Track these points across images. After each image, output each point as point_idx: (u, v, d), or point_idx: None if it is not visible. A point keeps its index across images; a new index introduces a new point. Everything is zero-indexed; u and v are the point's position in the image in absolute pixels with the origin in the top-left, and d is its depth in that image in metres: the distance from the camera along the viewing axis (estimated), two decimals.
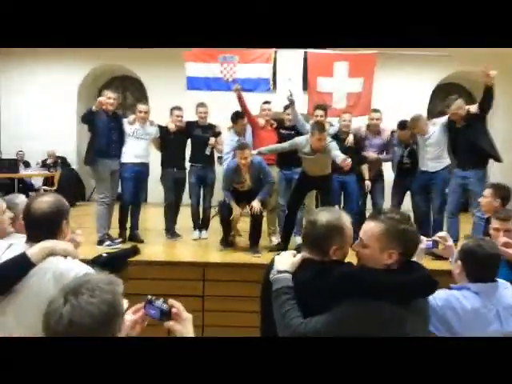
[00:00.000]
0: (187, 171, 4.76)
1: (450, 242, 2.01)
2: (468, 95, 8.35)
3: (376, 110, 4.61)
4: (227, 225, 4.11)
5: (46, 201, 1.62)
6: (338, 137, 4.45)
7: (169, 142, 4.61)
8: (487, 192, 2.95)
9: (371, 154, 4.47)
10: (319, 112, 4.51)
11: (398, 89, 7.84)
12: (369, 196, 4.73)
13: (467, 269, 1.78)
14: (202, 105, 4.73)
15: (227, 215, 4.01)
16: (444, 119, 4.21)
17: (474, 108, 3.94)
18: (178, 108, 4.65)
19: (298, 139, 4.03)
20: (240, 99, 4.62)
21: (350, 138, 4.43)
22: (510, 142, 7.67)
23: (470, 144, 3.90)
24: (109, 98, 4.10)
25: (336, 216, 1.50)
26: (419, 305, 1.38)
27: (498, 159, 3.98)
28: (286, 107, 4.64)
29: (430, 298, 1.52)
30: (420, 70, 7.92)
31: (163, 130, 4.60)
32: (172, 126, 4.55)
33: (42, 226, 1.60)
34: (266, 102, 4.84)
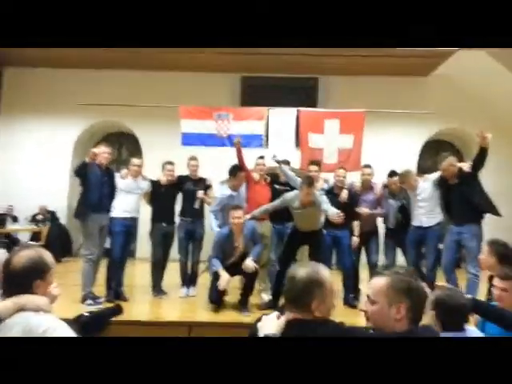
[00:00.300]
0: (176, 225, 4.67)
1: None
2: (456, 152, 8.53)
3: (368, 166, 4.64)
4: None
5: (24, 255, 1.57)
6: (333, 192, 4.46)
7: (159, 195, 4.58)
8: (484, 248, 2.87)
9: (364, 209, 4.43)
10: (313, 167, 4.55)
11: (387, 145, 8.02)
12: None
13: (439, 318, 1.82)
14: (193, 158, 4.76)
15: (216, 293, 3.83)
16: (436, 175, 4.24)
17: (466, 167, 3.97)
18: (170, 163, 4.67)
19: (288, 195, 4.01)
20: (239, 152, 4.65)
21: (344, 194, 4.42)
22: (499, 195, 7.75)
23: (464, 200, 3.89)
24: (103, 153, 4.10)
25: (315, 269, 1.47)
26: None
27: (496, 213, 3.95)
28: (282, 162, 4.68)
29: None
30: (408, 128, 8.17)
31: (155, 183, 4.59)
32: (163, 179, 4.54)
33: (17, 281, 1.54)
34: (261, 157, 4.88)
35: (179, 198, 4.78)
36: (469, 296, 2.01)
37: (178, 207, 4.77)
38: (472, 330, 1.83)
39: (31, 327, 1.44)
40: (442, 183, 4.14)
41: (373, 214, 4.50)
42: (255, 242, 4.00)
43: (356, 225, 4.46)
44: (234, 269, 3.94)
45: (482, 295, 3.70)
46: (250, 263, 3.76)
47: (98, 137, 9.01)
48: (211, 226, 4.57)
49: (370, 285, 1.46)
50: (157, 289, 4.44)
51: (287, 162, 4.83)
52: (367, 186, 4.59)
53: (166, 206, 4.60)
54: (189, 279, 4.62)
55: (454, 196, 3.99)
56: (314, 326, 1.38)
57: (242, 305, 3.83)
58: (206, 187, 4.73)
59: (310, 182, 3.80)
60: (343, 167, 4.69)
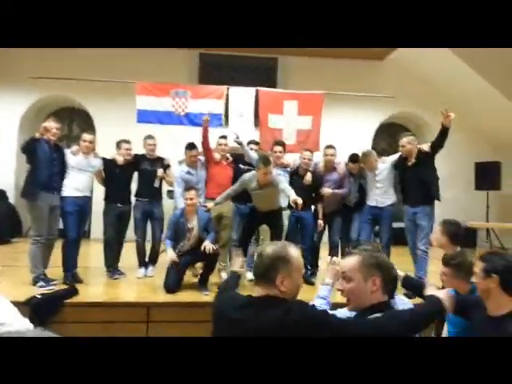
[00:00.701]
0: (132, 206, 4.57)
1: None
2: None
3: (331, 147, 4.68)
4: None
5: None
6: (298, 174, 4.51)
7: (114, 175, 4.43)
8: (437, 228, 3.02)
9: (327, 189, 4.52)
10: (278, 148, 4.56)
11: (344, 127, 8.19)
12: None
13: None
14: (150, 137, 4.64)
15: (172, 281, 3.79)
16: (394, 157, 4.39)
17: (426, 147, 4.10)
18: (127, 141, 4.51)
19: (246, 176, 4.03)
20: (205, 131, 4.61)
21: (308, 176, 4.47)
22: (448, 179, 8.21)
23: (420, 181, 4.04)
24: (52, 128, 3.87)
25: (281, 246, 1.55)
26: None
27: (438, 198, 4.12)
28: (249, 142, 4.68)
29: None
30: (364, 110, 8.37)
31: (109, 162, 4.42)
32: (120, 159, 4.39)
33: None
34: (223, 137, 4.83)
35: (135, 177, 4.66)
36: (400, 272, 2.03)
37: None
38: (398, 296, 1.87)
39: None
40: (400, 164, 4.27)
41: (336, 194, 4.60)
42: (209, 231, 3.97)
43: (320, 207, 4.56)
44: (192, 254, 3.94)
45: (431, 272, 3.97)
46: (208, 245, 3.77)
47: (46, 112, 8.52)
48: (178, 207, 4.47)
49: (344, 263, 1.57)
50: (111, 269, 4.35)
51: (256, 143, 4.82)
52: (330, 166, 4.67)
53: (121, 187, 4.46)
54: (150, 259, 4.57)
55: (411, 177, 4.12)
56: (277, 302, 1.44)
57: (202, 284, 3.85)
58: (165, 167, 4.64)
59: (266, 161, 3.79)
60: (309, 149, 4.74)
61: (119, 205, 4.42)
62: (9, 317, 1.43)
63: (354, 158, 4.58)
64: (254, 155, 4.43)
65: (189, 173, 4.63)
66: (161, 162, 4.64)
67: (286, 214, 4.42)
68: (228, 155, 4.83)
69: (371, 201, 4.44)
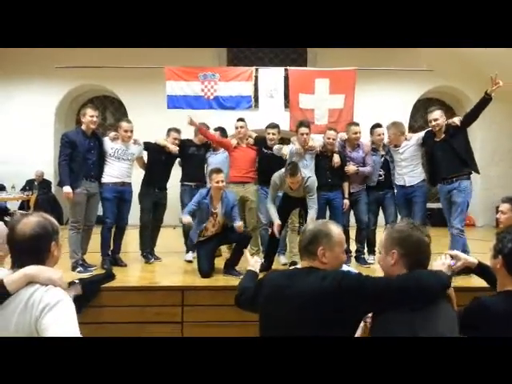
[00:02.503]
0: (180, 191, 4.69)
1: (464, 256, 1.95)
2: (448, 109, 8.44)
3: (355, 124, 4.51)
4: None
5: (31, 222, 1.47)
6: (324, 154, 4.39)
7: (158, 161, 4.47)
8: (505, 207, 2.81)
9: (351, 166, 4.38)
10: (303, 129, 4.40)
11: (379, 104, 7.88)
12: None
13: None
14: (176, 130, 4.64)
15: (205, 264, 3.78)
16: (419, 135, 4.18)
17: (457, 120, 3.87)
18: (177, 130, 4.57)
19: (275, 178, 3.94)
20: (200, 129, 4.61)
21: (336, 158, 4.35)
22: (492, 154, 7.81)
23: (452, 154, 3.80)
24: (91, 116, 3.95)
25: (322, 222, 1.76)
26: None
27: (476, 170, 3.89)
28: (269, 126, 4.58)
29: None
30: (399, 86, 8.02)
31: (154, 147, 4.46)
32: (174, 149, 4.47)
33: (27, 251, 1.46)
34: (240, 120, 4.72)
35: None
36: None
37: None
38: (345, 266, 1.97)
39: (33, 301, 1.36)
40: (428, 140, 4.04)
41: (358, 172, 4.40)
42: (234, 218, 3.89)
43: (346, 186, 4.43)
44: (219, 238, 3.93)
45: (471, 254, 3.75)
46: (239, 224, 3.76)
47: (80, 102, 8.73)
48: None
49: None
50: (147, 254, 4.41)
51: (274, 126, 4.67)
52: (354, 144, 4.49)
53: (164, 173, 4.54)
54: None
55: (442, 152, 3.87)
56: (317, 271, 1.61)
57: (230, 268, 3.80)
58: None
59: (293, 172, 3.70)
60: (333, 128, 4.58)
61: (157, 190, 4.47)
62: (56, 296, 1.42)
63: (374, 125, 4.46)
64: (283, 150, 4.33)
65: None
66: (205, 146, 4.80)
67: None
68: (250, 135, 4.72)
69: (399, 179, 4.25)
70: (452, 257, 1.92)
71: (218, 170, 3.92)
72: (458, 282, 2.90)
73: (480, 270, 1.97)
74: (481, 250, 1.89)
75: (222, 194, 3.92)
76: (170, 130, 4.56)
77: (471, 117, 3.81)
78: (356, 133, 4.44)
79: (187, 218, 3.74)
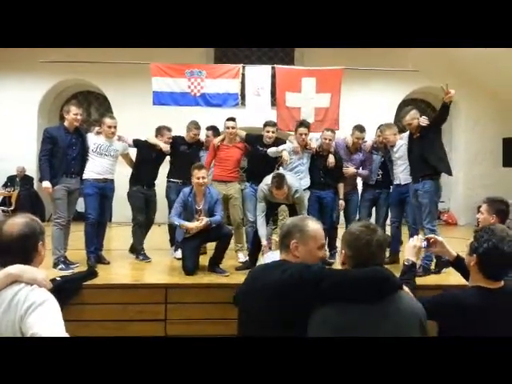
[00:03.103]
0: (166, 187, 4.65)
1: (441, 239, 2.04)
2: (433, 110, 8.54)
3: (361, 129, 4.52)
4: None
5: (18, 223, 1.50)
6: (319, 154, 4.42)
7: (148, 159, 4.43)
8: (483, 208, 2.85)
9: (351, 168, 4.46)
10: (303, 130, 4.41)
11: (364, 104, 7.95)
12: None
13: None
14: (197, 126, 4.71)
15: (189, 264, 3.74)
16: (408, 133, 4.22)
17: (422, 121, 3.87)
18: (169, 129, 4.54)
19: (262, 189, 3.91)
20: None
21: (331, 158, 4.38)
22: (475, 155, 7.95)
23: (420, 156, 3.85)
24: (75, 115, 3.90)
25: (300, 217, 1.79)
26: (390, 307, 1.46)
27: (448, 172, 3.95)
28: (267, 124, 4.56)
29: None
30: (385, 86, 8.08)
31: (145, 145, 4.41)
32: (166, 148, 4.43)
33: (14, 251, 1.47)
34: (231, 119, 4.66)
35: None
36: None
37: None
38: (271, 252, 1.97)
39: (17, 301, 1.35)
40: (409, 139, 4.09)
41: (359, 175, 4.53)
42: (216, 213, 3.86)
43: (341, 187, 4.48)
44: (202, 236, 3.88)
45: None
46: (205, 219, 3.73)
47: (64, 97, 8.58)
48: None
49: None
50: (141, 252, 4.35)
51: (273, 124, 4.62)
52: (355, 147, 4.58)
53: (152, 170, 4.51)
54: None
55: (413, 152, 3.95)
56: (283, 264, 1.63)
57: (213, 267, 3.78)
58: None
59: (277, 185, 3.69)
60: (330, 129, 4.59)
61: (145, 188, 4.42)
62: (42, 296, 1.42)
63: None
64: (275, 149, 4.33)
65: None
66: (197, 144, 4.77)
67: (306, 194, 4.33)
68: (240, 134, 4.67)
69: (396, 179, 4.33)
70: (428, 240, 2.02)
71: (200, 166, 3.89)
72: (434, 279, 2.95)
73: (457, 263, 2.03)
74: (461, 248, 1.92)
75: (205, 191, 3.90)
76: (161, 129, 4.51)
77: (438, 120, 3.87)
78: (359, 138, 4.51)
79: (179, 222, 3.75)
